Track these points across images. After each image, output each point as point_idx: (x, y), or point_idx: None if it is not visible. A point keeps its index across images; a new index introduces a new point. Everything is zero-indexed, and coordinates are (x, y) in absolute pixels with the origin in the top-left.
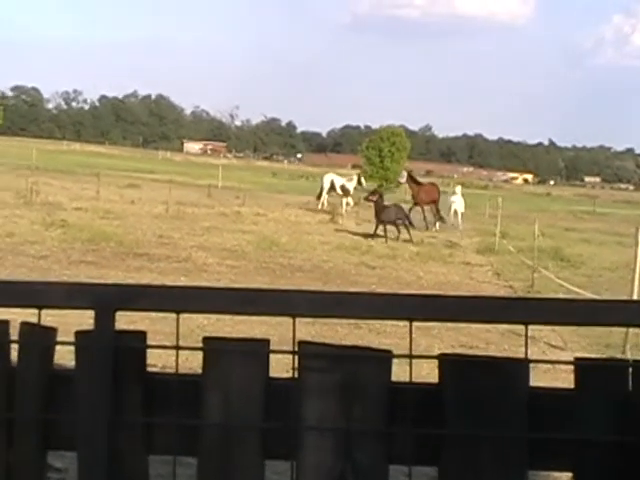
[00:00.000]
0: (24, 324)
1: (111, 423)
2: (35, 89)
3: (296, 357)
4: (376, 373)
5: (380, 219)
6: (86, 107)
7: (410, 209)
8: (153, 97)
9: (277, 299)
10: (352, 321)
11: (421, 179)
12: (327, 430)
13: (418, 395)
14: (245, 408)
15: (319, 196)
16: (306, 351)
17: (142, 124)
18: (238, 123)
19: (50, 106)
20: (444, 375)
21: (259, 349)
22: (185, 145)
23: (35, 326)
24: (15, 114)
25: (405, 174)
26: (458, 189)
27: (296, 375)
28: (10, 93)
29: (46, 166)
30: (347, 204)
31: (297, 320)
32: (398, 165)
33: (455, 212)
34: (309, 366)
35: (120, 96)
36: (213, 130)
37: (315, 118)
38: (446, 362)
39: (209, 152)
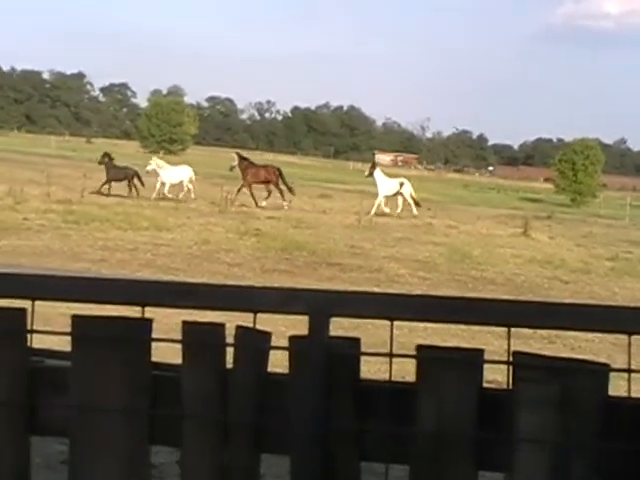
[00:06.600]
0: (240, 328)
1: (325, 428)
2: (229, 100)
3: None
4: (593, 386)
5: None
6: (279, 118)
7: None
8: (345, 108)
9: (487, 309)
10: (545, 335)
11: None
12: (542, 443)
13: (637, 411)
14: (458, 418)
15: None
16: (521, 361)
17: (333, 135)
18: (429, 135)
19: (244, 116)
20: None
21: (474, 359)
22: (376, 156)
23: (251, 330)
24: (210, 124)
25: (235, 156)
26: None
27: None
28: (205, 104)
29: (238, 175)
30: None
31: (489, 333)
32: (592, 179)
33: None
34: (524, 377)
35: (312, 107)
36: (404, 142)
37: (507, 131)
38: None
39: (400, 164)
